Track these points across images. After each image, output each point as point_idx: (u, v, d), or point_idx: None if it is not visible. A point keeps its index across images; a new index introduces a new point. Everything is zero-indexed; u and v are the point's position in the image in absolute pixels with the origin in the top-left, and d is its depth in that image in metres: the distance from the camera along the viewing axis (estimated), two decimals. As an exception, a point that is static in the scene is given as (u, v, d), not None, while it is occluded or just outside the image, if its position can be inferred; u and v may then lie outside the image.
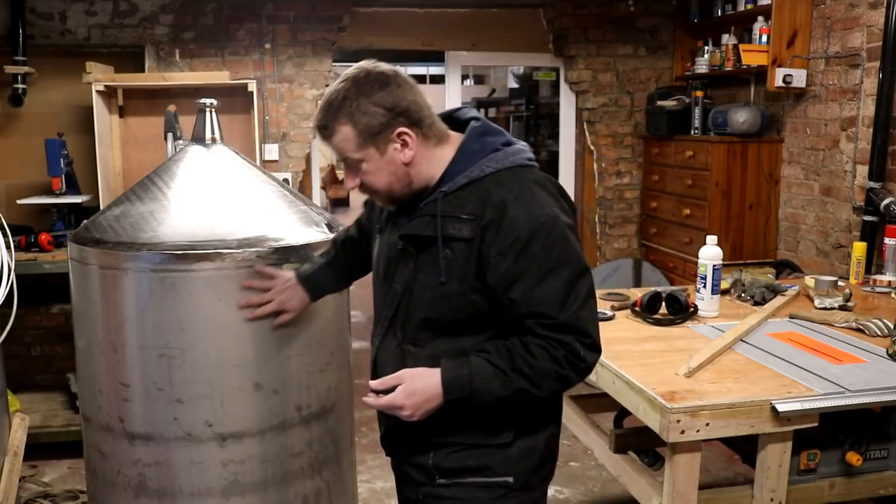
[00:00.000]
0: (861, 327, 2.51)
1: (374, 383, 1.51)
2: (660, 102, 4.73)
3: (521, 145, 1.54)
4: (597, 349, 1.47)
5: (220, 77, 4.24)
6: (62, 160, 3.88)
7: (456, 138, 1.51)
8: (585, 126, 5.09)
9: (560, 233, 1.43)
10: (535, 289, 1.40)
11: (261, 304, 1.92)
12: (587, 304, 1.45)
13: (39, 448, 3.55)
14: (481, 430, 1.53)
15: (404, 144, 1.45)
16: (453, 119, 1.58)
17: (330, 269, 1.90)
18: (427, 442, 1.56)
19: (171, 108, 3.77)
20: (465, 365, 1.44)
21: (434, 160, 1.48)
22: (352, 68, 1.46)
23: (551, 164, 5.65)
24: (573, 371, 1.45)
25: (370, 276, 1.74)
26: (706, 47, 4.64)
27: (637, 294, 2.78)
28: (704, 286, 2.70)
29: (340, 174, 15.92)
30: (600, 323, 1.55)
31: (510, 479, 1.55)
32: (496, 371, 1.43)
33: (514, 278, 1.41)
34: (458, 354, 1.47)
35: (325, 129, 1.45)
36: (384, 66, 1.46)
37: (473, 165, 1.46)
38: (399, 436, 1.62)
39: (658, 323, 2.60)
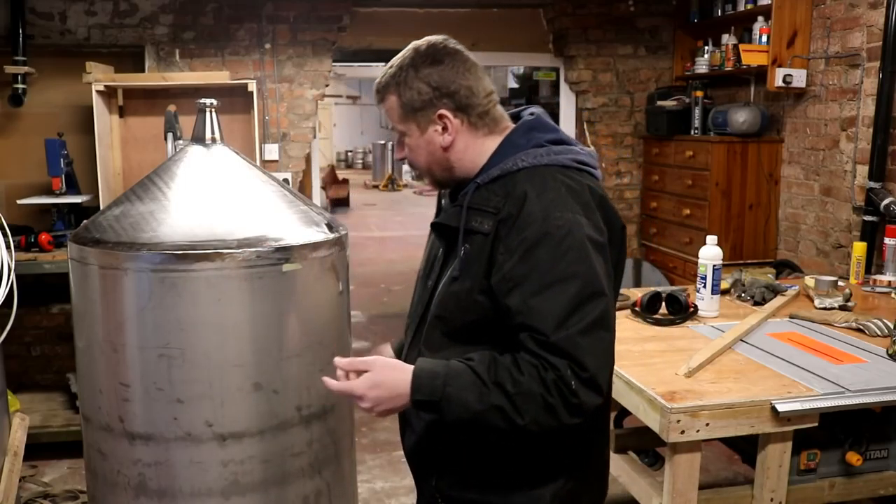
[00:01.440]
0: (861, 327, 2.51)
1: (339, 361, 1.35)
2: (660, 102, 4.73)
3: (576, 147, 1.42)
4: (595, 388, 1.26)
5: (220, 77, 4.24)
6: (62, 160, 3.88)
7: (508, 131, 1.44)
8: (585, 126, 5.09)
9: (576, 243, 1.27)
10: (533, 298, 1.26)
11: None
12: (593, 332, 1.26)
13: (39, 448, 3.55)
14: (486, 482, 1.41)
15: (444, 129, 1.38)
16: (517, 117, 1.48)
17: None
18: (439, 492, 1.47)
19: (171, 108, 3.77)
20: (443, 367, 1.29)
21: (480, 150, 1.40)
22: (422, 39, 1.41)
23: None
24: (562, 403, 1.24)
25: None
26: (706, 47, 4.64)
27: (637, 294, 2.78)
28: (704, 286, 2.70)
29: (340, 174, 15.94)
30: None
31: None
32: (475, 380, 1.26)
33: (515, 283, 1.27)
34: None
35: (378, 93, 1.42)
36: (450, 44, 1.40)
37: (509, 158, 1.37)
38: (414, 474, 1.56)
39: (658, 323, 2.60)
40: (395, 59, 1.41)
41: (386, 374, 1.31)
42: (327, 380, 1.35)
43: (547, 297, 1.25)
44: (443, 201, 1.54)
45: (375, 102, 1.45)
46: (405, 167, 19.41)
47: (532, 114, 1.46)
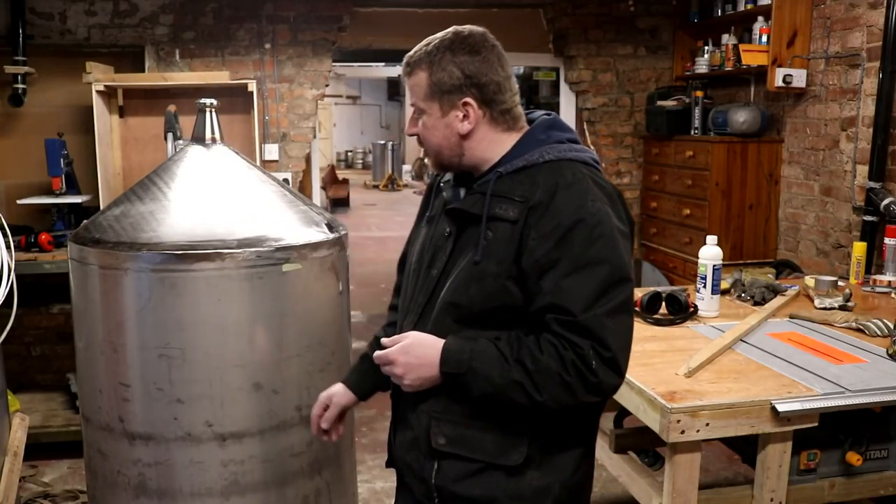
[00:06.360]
0: (861, 327, 2.51)
1: (384, 340, 1.46)
2: (660, 102, 4.73)
3: (589, 148, 1.51)
4: (616, 368, 1.33)
5: (220, 77, 4.24)
6: (62, 160, 3.88)
7: (512, 135, 1.48)
8: (585, 126, 5.09)
9: (607, 230, 1.34)
10: (564, 280, 1.32)
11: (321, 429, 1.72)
12: (617, 316, 1.33)
13: (39, 448, 3.55)
14: (490, 445, 1.42)
15: (465, 116, 1.43)
16: (530, 119, 1.54)
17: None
18: (432, 449, 1.45)
19: (171, 108, 3.77)
20: (470, 342, 1.37)
21: (495, 143, 1.45)
22: (464, 26, 1.46)
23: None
24: (580, 382, 1.31)
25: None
26: (706, 47, 4.64)
27: (637, 294, 2.78)
28: (704, 286, 2.70)
29: (340, 174, 15.93)
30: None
31: None
32: (498, 356, 1.34)
33: (549, 265, 1.33)
34: None
35: (407, 66, 1.45)
36: (489, 37, 1.46)
37: (534, 151, 1.42)
38: (406, 433, 1.53)
39: (658, 323, 2.60)
40: (433, 38, 1.45)
41: (417, 345, 1.40)
42: (377, 353, 1.45)
43: (576, 280, 1.32)
44: (444, 193, 1.56)
45: (403, 74, 1.47)
46: (405, 167, 19.42)
47: (549, 114, 1.52)
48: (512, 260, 1.36)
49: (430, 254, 1.51)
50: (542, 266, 1.33)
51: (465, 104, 1.42)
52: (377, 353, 1.45)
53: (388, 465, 1.66)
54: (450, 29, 1.46)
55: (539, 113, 1.53)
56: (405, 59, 1.46)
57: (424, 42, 1.45)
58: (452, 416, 1.43)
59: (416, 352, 1.40)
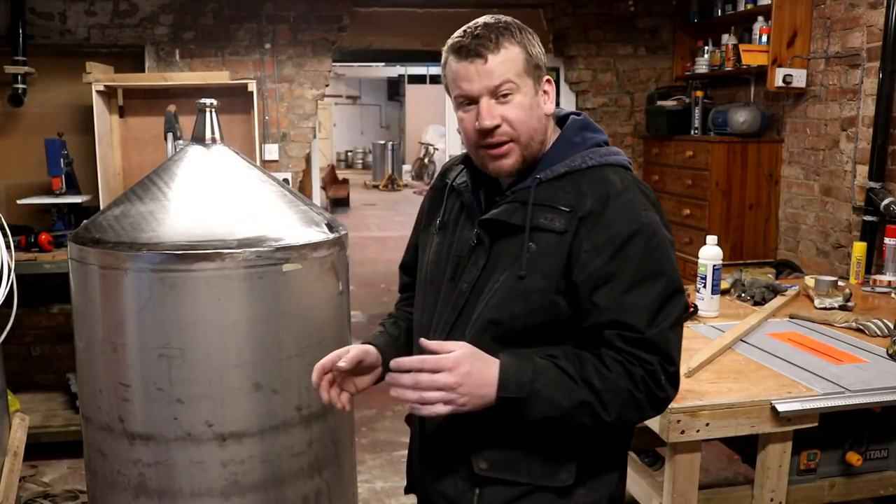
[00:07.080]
0: (861, 327, 2.51)
1: (426, 343, 1.23)
2: (660, 102, 4.74)
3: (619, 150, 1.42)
4: (676, 382, 1.29)
5: (220, 77, 4.24)
6: (62, 160, 3.89)
7: (556, 130, 1.40)
8: (585, 126, 5.09)
9: (661, 241, 1.28)
10: (625, 295, 1.24)
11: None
12: (676, 329, 1.28)
13: (39, 448, 3.55)
14: (536, 466, 1.33)
15: (546, 94, 1.33)
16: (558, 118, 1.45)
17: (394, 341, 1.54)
18: (473, 474, 1.35)
19: (171, 108, 3.77)
20: (529, 362, 1.24)
21: (549, 137, 1.36)
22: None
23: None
24: (648, 399, 1.25)
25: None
26: (706, 47, 4.65)
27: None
28: (704, 286, 2.70)
29: (340, 174, 15.92)
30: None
31: None
32: (563, 376, 1.23)
33: (604, 280, 1.25)
34: None
35: (489, 41, 1.26)
36: None
37: (574, 155, 1.33)
38: (439, 458, 1.41)
39: (658, 323, 2.59)
40: (487, 19, 1.31)
41: (476, 360, 1.22)
42: (417, 356, 1.22)
43: (638, 294, 1.25)
44: (461, 196, 1.43)
45: (483, 49, 1.27)
46: (405, 167, 19.40)
47: (578, 114, 1.43)
48: (560, 273, 1.27)
49: (452, 265, 1.39)
50: (597, 280, 1.25)
51: (548, 81, 1.33)
52: (417, 356, 1.20)
53: (408, 491, 1.56)
54: (491, 15, 1.33)
55: (566, 111, 1.44)
56: (478, 34, 1.28)
57: (490, 22, 1.30)
58: (495, 439, 1.33)
59: (475, 366, 1.21)
